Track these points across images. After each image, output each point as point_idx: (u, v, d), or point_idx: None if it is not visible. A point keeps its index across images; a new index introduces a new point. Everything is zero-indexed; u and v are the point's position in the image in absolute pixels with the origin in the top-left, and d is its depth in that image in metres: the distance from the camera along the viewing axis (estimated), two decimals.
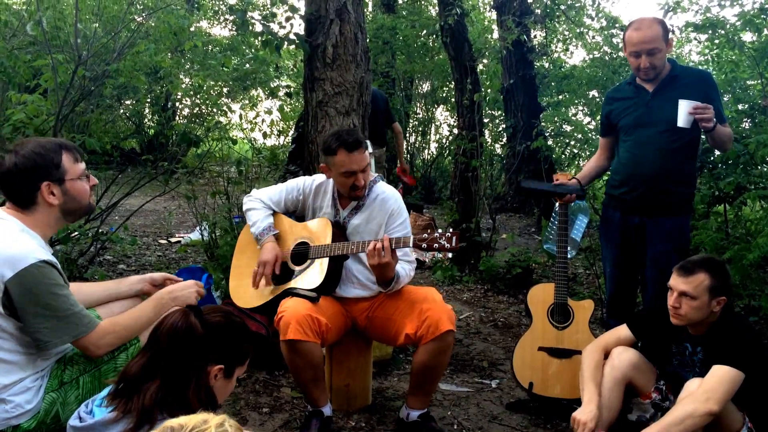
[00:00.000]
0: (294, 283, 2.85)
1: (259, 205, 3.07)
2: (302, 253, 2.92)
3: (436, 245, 2.60)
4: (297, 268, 2.91)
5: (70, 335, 1.98)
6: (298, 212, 3.11)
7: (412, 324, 2.72)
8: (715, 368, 2.40)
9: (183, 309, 1.77)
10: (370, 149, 2.94)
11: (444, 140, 11.92)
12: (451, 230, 2.61)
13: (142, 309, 2.19)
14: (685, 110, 2.88)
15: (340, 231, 2.92)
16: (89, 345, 2.02)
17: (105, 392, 1.78)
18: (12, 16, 5.18)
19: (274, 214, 3.07)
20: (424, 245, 2.63)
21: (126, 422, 1.65)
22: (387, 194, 2.99)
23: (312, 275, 2.84)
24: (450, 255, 2.70)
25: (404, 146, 7.08)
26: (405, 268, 2.87)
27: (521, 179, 3.45)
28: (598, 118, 7.35)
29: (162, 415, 1.62)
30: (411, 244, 2.65)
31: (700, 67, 8.08)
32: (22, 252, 1.92)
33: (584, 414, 2.52)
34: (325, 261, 2.83)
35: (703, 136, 3.16)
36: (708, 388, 2.34)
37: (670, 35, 3.08)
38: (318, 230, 2.93)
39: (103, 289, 2.38)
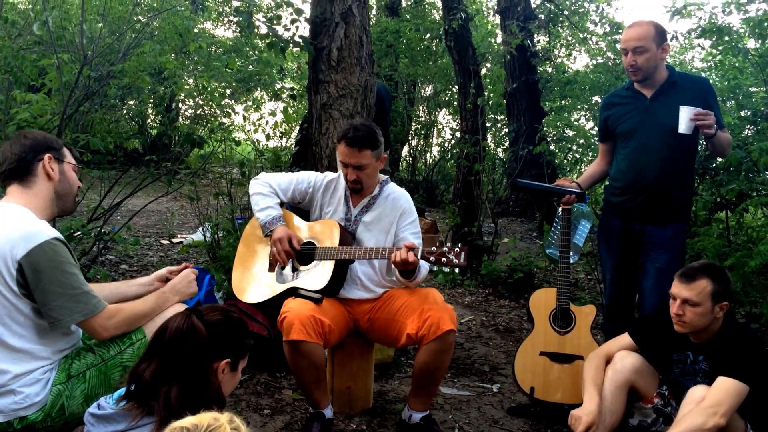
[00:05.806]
0: (298, 283, 2.86)
1: (267, 190, 3.04)
2: (308, 254, 2.92)
3: (444, 259, 2.61)
4: (302, 268, 2.91)
5: (81, 313, 2.04)
6: (304, 205, 3.10)
7: (414, 324, 2.72)
8: (722, 381, 2.41)
9: (184, 312, 1.80)
10: (383, 153, 2.94)
11: (446, 144, 11.93)
12: (459, 245, 2.60)
13: (145, 300, 2.30)
14: (686, 117, 2.88)
15: (347, 234, 2.93)
16: (97, 326, 2.09)
17: (117, 394, 1.79)
18: (18, 16, 5.19)
19: (282, 207, 3.05)
20: (432, 258, 2.63)
21: (148, 425, 1.66)
22: (398, 193, 3.03)
23: (317, 276, 2.84)
24: (457, 270, 2.68)
25: None
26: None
27: (519, 179, 3.46)
28: None
29: (185, 415, 1.64)
30: (419, 256, 2.65)
31: (703, 73, 8.09)
32: (34, 229, 2.00)
33: (582, 411, 2.55)
34: (331, 263, 2.83)
35: (702, 142, 3.16)
36: (716, 402, 2.35)
37: (669, 41, 3.09)
38: (325, 232, 2.93)
39: (113, 288, 2.44)
